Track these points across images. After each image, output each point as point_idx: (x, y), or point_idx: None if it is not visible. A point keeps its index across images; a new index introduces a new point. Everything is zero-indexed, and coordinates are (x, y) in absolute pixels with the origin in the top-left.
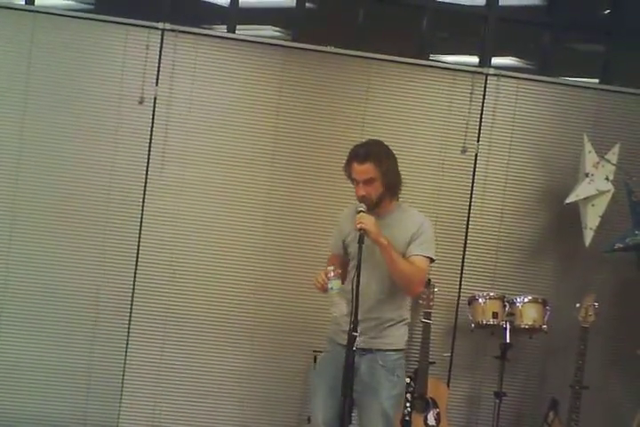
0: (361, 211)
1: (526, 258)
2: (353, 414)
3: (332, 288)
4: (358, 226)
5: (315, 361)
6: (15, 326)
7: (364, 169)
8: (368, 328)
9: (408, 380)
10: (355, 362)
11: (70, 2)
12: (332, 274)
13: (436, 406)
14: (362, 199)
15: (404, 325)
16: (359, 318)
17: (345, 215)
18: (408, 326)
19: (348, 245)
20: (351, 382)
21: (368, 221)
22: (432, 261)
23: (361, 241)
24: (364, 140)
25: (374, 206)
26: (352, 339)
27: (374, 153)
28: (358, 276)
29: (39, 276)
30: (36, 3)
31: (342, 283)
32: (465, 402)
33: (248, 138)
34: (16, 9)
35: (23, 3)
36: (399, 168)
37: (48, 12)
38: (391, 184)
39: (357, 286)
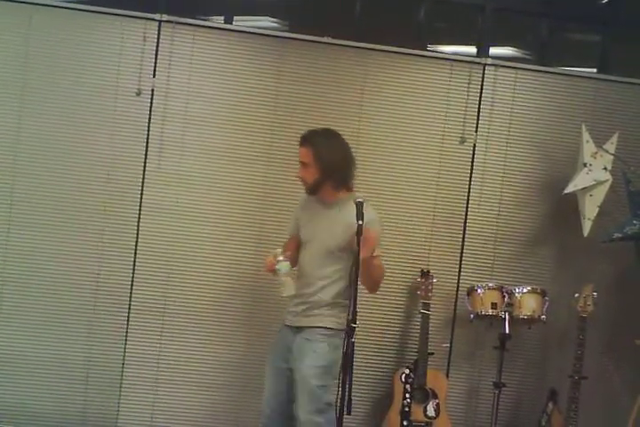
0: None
1: (525, 248)
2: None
3: (279, 269)
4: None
5: None
6: (12, 319)
7: (301, 152)
8: (304, 308)
9: (407, 371)
10: (290, 340)
11: None
12: (281, 257)
13: (435, 396)
14: (301, 181)
15: (340, 307)
16: (300, 299)
17: (302, 199)
18: (345, 309)
19: (300, 228)
20: (351, 369)
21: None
22: None
23: (359, 233)
24: None
25: (312, 191)
26: (351, 331)
27: (313, 138)
28: (357, 270)
29: (37, 268)
30: None
31: (293, 266)
32: (464, 393)
33: (246, 129)
34: (12, 1)
35: None
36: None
37: (44, 4)
38: (328, 172)
39: (356, 280)
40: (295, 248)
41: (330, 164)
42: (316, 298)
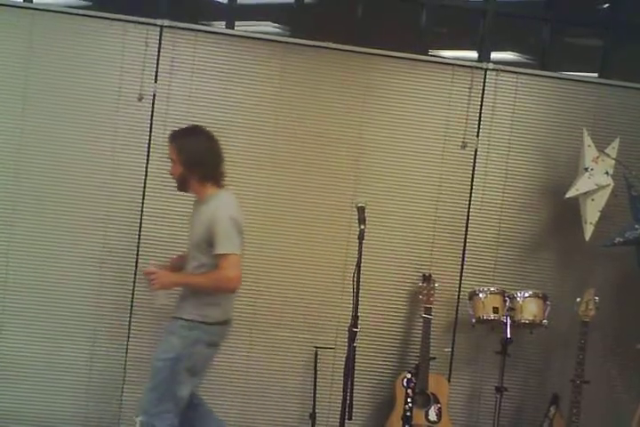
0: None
1: (526, 253)
2: None
3: (154, 301)
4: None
5: (315, 357)
6: (16, 325)
7: (169, 149)
8: (177, 300)
9: (409, 375)
10: None
11: None
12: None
13: (437, 401)
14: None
15: (205, 302)
16: None
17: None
18: (213, 306)
19: None
20: (352, 374)
21: (164, 279)
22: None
23: (361, 237)
24: None
25: (181, 187)
26: (353, 335)
27: (177, 135)
28: (358, 274)
29: (39, 274)
30: (34, 0)
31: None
32: (466, 397)
33: (247, 134)
34: (14, 6)
35: (22, 0)
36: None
37: (46, 9)
38: (191, 166)
39: (358, 284)
40: None
41: (192, 158)
42: (182, 291)
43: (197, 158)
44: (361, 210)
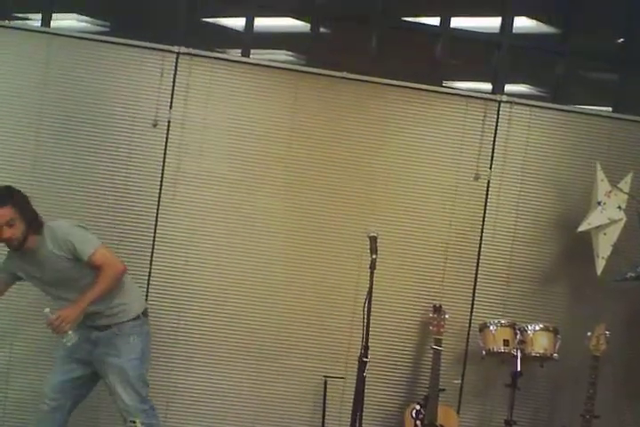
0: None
1: (538, 286)
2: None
3: (67, 342)
4: (61, 330)
5: (325, 386)
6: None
7: (2, 213)
8: (96, 318)
9: (418, 407)
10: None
11: (86, 24)
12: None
13: None
14: (9, 241)
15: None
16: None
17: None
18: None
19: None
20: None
21: (69, 314)
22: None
23: (372, 267)
24: None
25: (22, 245)
26: (363, 365)
27: (9, 198)
28: (369, 303)
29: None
30: (51, 25)
31: None
32: None
33: (261, 162)
34: (32, 31)
35: (39, 25)
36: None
37: (63, 34)
38: (31, 220)
39: (369, 313)
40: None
41: (30, 213)
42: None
43: (34, 212)
44: (373, 239)
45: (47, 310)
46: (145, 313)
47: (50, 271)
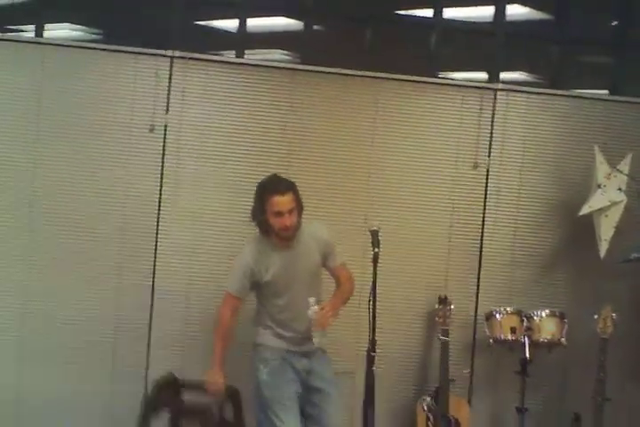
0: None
1: (542, 272)
2: None
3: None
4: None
5: None
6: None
7: (286, 201)
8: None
9: (429, 398)
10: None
11: (79, 33)
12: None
13: (458, 425)
14: (286, 230)
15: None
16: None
17: (253, 254)
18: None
19: (268, 283)
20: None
21: (335, 308)
22: None
23: (375, 261)
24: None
25: (294, 236)
26: (372, 359)
27: (290, 185)
28: (374, 297)
29: (57, 309)
30: (44, 35)
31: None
32: (487, 419)
33: (260, 163)
34: (25, 42)
35: (32, 35)
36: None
37: (56, 44)
38: (301, 212)
39: (374, 307)
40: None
41: (302, 205)
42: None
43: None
44: (374, 233)
45: (313, 299)
46: None
47: (305, 263)
